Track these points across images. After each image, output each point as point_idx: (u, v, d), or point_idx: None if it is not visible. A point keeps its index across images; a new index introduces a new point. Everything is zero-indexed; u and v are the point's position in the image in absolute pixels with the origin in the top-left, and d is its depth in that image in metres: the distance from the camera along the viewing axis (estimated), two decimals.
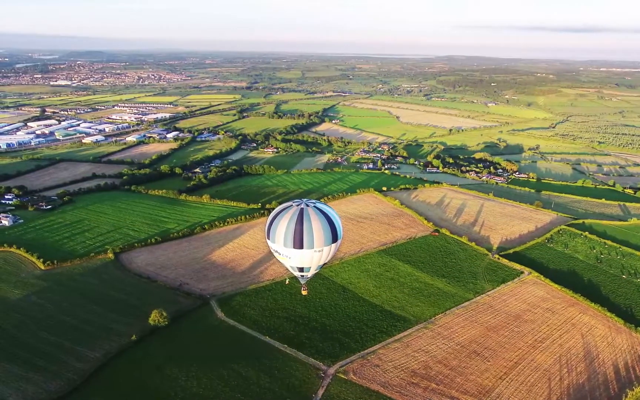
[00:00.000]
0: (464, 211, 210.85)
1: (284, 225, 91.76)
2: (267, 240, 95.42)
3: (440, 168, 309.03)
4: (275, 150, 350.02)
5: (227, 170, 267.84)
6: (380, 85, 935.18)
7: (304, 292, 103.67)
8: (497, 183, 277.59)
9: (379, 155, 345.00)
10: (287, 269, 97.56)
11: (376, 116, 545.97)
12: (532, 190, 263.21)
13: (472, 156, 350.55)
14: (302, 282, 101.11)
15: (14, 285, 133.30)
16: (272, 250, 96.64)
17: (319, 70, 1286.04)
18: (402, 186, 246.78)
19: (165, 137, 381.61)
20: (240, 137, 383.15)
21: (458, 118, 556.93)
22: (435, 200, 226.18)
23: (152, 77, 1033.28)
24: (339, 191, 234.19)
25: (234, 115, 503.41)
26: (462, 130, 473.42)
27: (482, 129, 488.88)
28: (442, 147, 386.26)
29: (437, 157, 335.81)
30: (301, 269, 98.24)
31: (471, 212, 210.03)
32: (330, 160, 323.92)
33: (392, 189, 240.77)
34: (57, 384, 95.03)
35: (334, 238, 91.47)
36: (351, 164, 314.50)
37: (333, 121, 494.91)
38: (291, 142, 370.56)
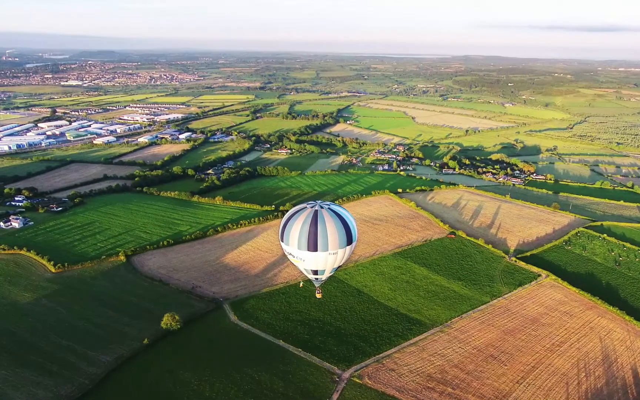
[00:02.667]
0: (481, 213, 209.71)
1: (297, 228, 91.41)
2: (281, 242, 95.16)
3: (457, 169, 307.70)
4: (289, 151, 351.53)
5: (240, 172, 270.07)
6: (396, 86, 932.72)
7: (318, 295, 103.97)
8: (514, 184, 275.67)
9: (394, 156, 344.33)
10: (301, 271, 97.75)
11: (391, 117, 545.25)
12: (550, 192, 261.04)
13: (488, 157, 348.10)
14: (317, 285, 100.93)
15: (25, 289, 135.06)
16: (286, 253, 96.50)
17: (334, 70, 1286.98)
18: (418, 188, 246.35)
19: (178, 138, 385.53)
20: (253, 138, 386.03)
21: (474, 119, 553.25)
22: (451, 202, 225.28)
23: (165, 77, 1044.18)
24: (353, 193, 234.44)
25: (247, 116, 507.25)
26: (479, 131, 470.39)
27: (498, 130, 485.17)
28: (459, 148, 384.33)
29: (453, 158, 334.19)
30: (315, 272, 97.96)
31: (488, 214, 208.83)
32: (345, 162, 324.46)
33: (407, 190, 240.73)
34: (68, 388, 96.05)
35: (349, 240, 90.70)
36: (366, 166, 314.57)
37: (348, 122, 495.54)
38: (305, 143, 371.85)
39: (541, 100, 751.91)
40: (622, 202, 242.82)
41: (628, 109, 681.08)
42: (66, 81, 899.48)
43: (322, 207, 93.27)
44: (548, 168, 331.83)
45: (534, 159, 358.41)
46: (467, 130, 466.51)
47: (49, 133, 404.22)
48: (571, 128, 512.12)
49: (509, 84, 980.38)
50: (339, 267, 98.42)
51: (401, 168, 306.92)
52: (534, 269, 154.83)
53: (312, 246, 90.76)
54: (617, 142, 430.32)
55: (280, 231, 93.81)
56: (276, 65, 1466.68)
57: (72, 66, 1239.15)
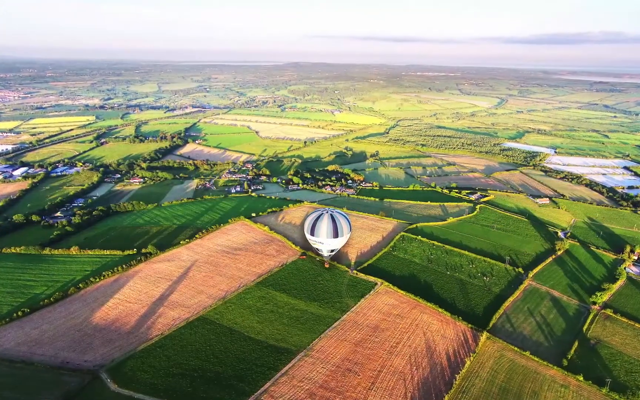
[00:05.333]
0: None
1: (324, 225, 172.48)
2: (311, 236, 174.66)
3: (300, 185, 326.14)
4: (142, 180, 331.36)
5: (94, 212, 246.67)
6: (237, 97, 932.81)
7: (326, 265, 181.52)
8: (348, 195, 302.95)
9: (244, 175, 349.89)
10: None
11: (237, 133, 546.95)
12: (377, 199, 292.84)
13: (326, 168, 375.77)
14: (328, 258, 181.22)
15: None
16: (313, 242, 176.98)
17: (176, 83, 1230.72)
18: (270, 209, 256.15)
19: (12, 176, 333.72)
20: (102, 168, 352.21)
21: (310, 128, 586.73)
22: (299, 221, 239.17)
23: None
24: (212, 222, 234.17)
25: (91, 142, 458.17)
26: (315, 142, 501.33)
27: (331, 139, 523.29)
28: (300, 161, 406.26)
29: (296, 173, 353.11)
30: (332, 250, 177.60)
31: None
32: (199, 186, 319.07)
33: (260, 214, 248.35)
34: None
35: (350, 229, 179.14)
36: (220, 189, 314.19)
37: (196, 141, 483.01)
38: (157, 170, 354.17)
39: (363, 106, 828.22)
40: (429, 202, 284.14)
41: (427, 112, 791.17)
42: None
43: (333, 212, 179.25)
44: (373, 175, 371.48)
45: (362, 166, 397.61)
46: (305, 142, 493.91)
47: None
48: (387, 133, 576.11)
49: (335, 91, 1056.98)
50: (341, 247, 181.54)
51: (252, 188, 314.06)
52: (371, 278, 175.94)
53: (334, 235, 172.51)
54: (421, 144, 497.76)
55: (309, 229, 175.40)
56: (114, 78, 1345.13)
57: None
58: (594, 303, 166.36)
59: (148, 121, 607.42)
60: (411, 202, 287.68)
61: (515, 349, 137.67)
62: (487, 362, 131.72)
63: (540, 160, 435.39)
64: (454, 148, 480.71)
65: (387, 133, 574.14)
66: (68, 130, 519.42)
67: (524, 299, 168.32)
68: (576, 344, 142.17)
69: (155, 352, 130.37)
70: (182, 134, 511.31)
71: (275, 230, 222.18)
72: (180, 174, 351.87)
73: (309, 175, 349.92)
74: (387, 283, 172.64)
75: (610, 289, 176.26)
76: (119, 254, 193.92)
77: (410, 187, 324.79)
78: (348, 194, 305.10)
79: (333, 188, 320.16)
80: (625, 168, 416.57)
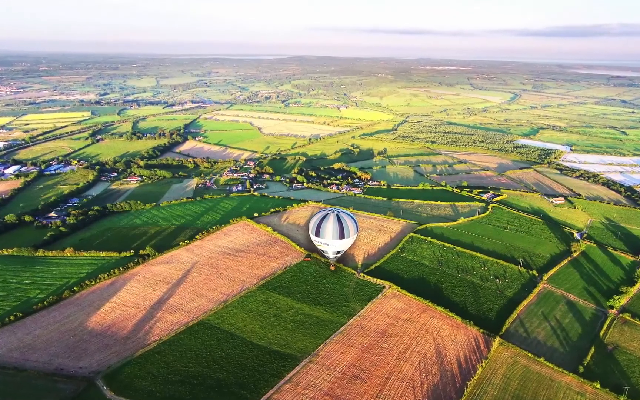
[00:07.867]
0: None
1: (330, 226, 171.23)
2: (316, 237, 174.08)
3: (305, 183, 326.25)
4: (139, 178, 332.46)
5: (89, 212, 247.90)
6: (239, 92, 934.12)
7: (332, 268, 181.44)
8: (355, 194, 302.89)
9: (246, 174, 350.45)
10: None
11: (239, 129, 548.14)
12: (384, 199, 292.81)
13: (331, 167, 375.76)
14: (334, 259, 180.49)
15: None
16: (318, 243, 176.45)
17: (175, 77, 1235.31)
18: (273, 210, 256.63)
19: (4, 174, 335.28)
20: (97, 166, 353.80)
21: (315, 125, 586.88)
22: (303, 221, 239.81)
23: None
24: (212, 223, 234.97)
25: (86, 139, 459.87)
26: (320, 138, 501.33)
27: (337, 135, 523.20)
28: (304, 159, 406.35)
29: (300, 171, 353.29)
30: (338, 253, 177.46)
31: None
32: (199, 185, 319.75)
33: (263, 214, 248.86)
34: None
35: (356, 230, 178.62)
36: (220, 188, 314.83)
37: (196, 138, 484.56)
38: (155, 168, 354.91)
39: (370, 102, 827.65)
40: (439, 202, 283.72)
41: (437, 107, 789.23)
42: None
43: (338, 212, 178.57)
44: (381, 173, 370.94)
45: (369, 164, 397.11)
46: (310, 139, 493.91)
47: None
48: (395, 129, 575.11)
49: (341, 86, 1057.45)
50: (347, 248, 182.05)
51: (254, 187, 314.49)
52: (379, 281, 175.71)
53: (340, 236, 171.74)
54: (431, 141, 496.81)
55: (314, 230, 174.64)
56: (110, 72, 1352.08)
57: None
58: (612, 307, 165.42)
59: (146, 117, 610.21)
60: (420, 201, 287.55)
61: (529, 354, 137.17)
62: (500, 369, 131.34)
63: (555, 157, 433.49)
64: (465, 145, 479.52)
65: (396, 129, 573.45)
66: (62, 127, 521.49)
67: (538, 302, 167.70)
68: (593, 349, 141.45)
69: (154, 358, 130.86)
70: (182, 131, 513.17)
71: (279, 231, 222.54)
72: (180, 173, 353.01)
73: (313, 174, 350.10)
74: (395, 286, 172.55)
75: (629, 292, 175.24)
76: (115, 256, 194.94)
77: (420, 186, 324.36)
78: (355, 193, 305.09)
79: (339, 187, 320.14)
80: None
